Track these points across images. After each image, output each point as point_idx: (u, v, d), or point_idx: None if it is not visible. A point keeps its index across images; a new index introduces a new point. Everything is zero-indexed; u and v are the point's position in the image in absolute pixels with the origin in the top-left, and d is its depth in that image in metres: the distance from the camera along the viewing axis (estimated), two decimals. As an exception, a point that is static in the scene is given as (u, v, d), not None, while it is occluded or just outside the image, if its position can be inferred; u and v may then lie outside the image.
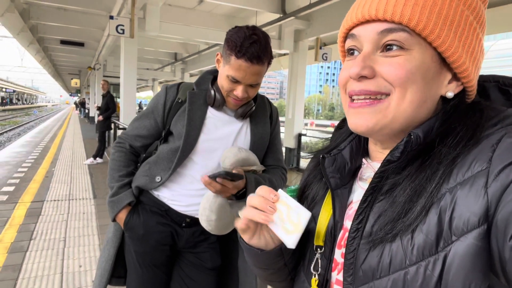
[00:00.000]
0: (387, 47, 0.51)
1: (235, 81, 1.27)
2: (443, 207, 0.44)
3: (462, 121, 0.50)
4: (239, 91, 1.28)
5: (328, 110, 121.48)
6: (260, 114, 1.45)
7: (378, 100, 0.52)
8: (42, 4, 8.20)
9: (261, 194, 0.58)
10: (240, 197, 1.31)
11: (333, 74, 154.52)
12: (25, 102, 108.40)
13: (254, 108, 1.41)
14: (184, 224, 1.42)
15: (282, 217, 0.56)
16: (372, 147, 0.61)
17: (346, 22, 0.56)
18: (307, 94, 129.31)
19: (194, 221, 1.38)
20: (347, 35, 0.57)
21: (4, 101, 67.88)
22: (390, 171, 0.51)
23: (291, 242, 0.55)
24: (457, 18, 0.50)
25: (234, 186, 1.24)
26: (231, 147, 1.33)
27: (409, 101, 0.51)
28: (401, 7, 0.49)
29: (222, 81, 1.30)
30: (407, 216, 0.47)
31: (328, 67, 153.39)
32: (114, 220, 1.44)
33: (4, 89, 70.51)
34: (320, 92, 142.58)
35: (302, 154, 8.88)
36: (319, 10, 6.78)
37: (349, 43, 0.56)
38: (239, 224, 0.59)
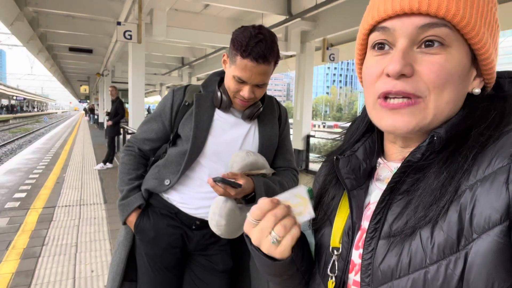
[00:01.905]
0: (426, 43, 0.48)
1: (241, 82, 1.25)
2: (463, 205, 0.43)
3: (489, 108, 0.49)
4: (245, 91, 1.26)
5: (336, 111, 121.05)
6: (268, 115, 1.43)
7: (415, 100, 0.49)
8: (50, 12, 8.31)
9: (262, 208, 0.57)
10: (250, 201, 1.30)
11: (340, 75, 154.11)
12: (35, 110, 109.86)
13: (261, 109, 1.39)
14: (194, 227, 1.41)
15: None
16: (389, 145, 0.59)
17: (376, 13, 0.51)
18: (315, 95, 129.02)
19: (204, 223, 1.37)
20: (374, 27, 0.53)
21: (15, 109, 68.84)
22: (409, 171, 0.50)
23: (309, 215, 0.58)
24: (489, 14, 0.49)
25: (237, 192, 1.23)
26: (238, 151, 1.32)
27: (446, 102, 0.49)
28: (445, 1, 0.46)
29: (229, 82, 1.29)
30: (427, 214, 0.46)
31: (335, 68, 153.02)
32: (124, 223, 1.44)
33: (14, 97, 71.56)
34: (327, 93, 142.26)
35: (312, 156, 8.85)
36: (325, 11, 6.76)
37: (377, 36, 0.52)
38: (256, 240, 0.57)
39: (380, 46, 0.52)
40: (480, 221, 0.41)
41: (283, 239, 0.55)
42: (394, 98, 0.50)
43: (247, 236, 0.60)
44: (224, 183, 1.18)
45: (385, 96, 0.51)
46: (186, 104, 1.39)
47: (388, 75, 0.49)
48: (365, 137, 0.62)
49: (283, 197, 0.59)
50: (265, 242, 0.55)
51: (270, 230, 0.55)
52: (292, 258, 0.57)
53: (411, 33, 0.48)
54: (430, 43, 0.48)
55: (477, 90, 0.52)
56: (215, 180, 1.19)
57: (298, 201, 0.58)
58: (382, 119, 0.52)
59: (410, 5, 0.47)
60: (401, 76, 0.48)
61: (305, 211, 0.58)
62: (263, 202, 0.56)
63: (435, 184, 0.47)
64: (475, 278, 0.41)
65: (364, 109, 0.63)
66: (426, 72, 0.48)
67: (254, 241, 0.57)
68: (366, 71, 0.55)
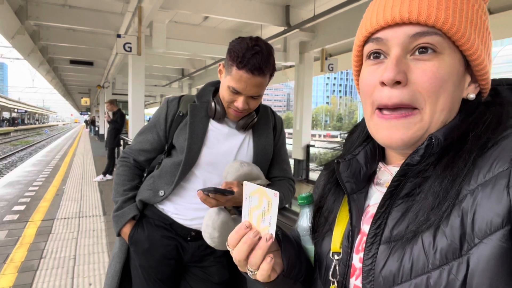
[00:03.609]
0: (419, 50, 0.49)
1: (236, 92, 1.25)
2: (464, 209, 0.43)
3: (486, 113, 0.50)
4: (239, 102, 1.26)
5: (336, 120, 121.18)
6: (262, 125, 1.43)
7: (411, 111, 0.50)
8: (51, 26, 8.38)
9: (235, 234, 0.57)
10: None
11: (340, 85, 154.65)
12: (36, 122, 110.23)
13: (256, 119, 1.39)
14: (189, 238, 1.40)
15: (260, 215, 0.57)
16: (390, 150, 0.60)
17: (369, 25, 0.53)
18: (314, 105, 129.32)
19: (200, 234, 1.35)
20: (368, 39, 0.54)
21: (16, 121, 69.08)
22: (409, 174, 0.50)
23: (274, 196, 0.56)
24: (478, 21, 0.50)
25: (228, 200, 1.21)
26: (232, 162, 1.31)
27: (441, 109, 0.50)
28: (434, 10, 0.48)
29: (223, 92, 1.29)
30: (429, 218, 0.46)
31: (335, 78, 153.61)
32: (119, 234, 1.43)
33: (16, 110, 71.85)
34: (327, 103, 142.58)
35: (313, 166, 8.84)
36: (323, 22, 6.81)
37: (372, 46, 0.54)
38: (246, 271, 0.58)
39: (375, 55, 0.53)
40: (481, 225, 0.41)
41: (258, 270, 0.55)
42: (390, 109, 0.51)
43: None
44: (216, 192, 1.17)
45: (381, 109, 0.52)
46: (181, 114, 1.39)
47: (383, 83, 0.50)
48: (366, 141, 0.63)
49: (246, 209, 0.58)
50: (245, 269, 0.58)
51: (245, 264, 0.56)
52: (283, 275, 0.58)
53: (403, 42, 0.50)
54: (423, 50, 0.49)
55: (472, 96, 0.53)
56: (206, 190, 1.18)
57: (257, 196, 0.57)
58: (378, 131, 0.53)
59: (401, 15, 0.49)
60: (395, 84, 0.49)
61: (269, 197, 0.56)
62: (235, 229, 0.57)
63: (436, 188, 0.47)
64: (478, 283, 0.40)
65: (363, 119, 0.63)
66: (420, 80, 0.49)
67: (240, 268, 0.59)
68: (362, 81, 0.56)
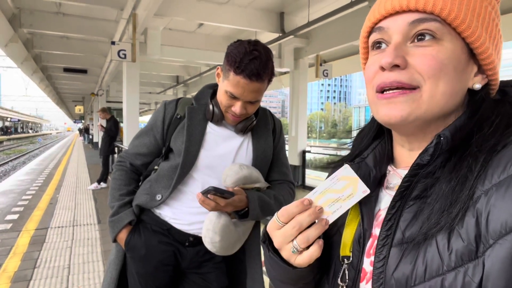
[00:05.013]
0: (418, 37, 0.50)
1: (233, 97, 1.23)
2: (479, 210, 0.42)
3: (494, 110, 0.50)
4: (237, 107, 1.24)
5: (331, 127, 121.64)
6: (262, 127, 1.41)
7: (410, 90, 0.50)
8: (45, 34, 8.36)
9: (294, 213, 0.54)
10: (243, 216, 1.27)
11: (334, 91, 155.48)
12: (30, 131, 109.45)
13: (254, 122, 1.37)
14: (187, 243, 1.37)
15: (333, 200, 0.54)
16: (399, 150, 0.59)
17: (372, 16, 0.55)
18: (309, 111, 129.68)
19: (198, 240, 1.33)
20: (372, 30, 0.56)
21: (9, 130, 68.55)
22: (419, 175, 0.50)
23: (363, 193, 0.54)
24: (482, 11, 0.51)
25: (228, 203, 1.19)
26: (232, 165, 1.29)
27: (442, 93, 0.50)
28: None
29: (221, 96, 1.28)
30: (440, 220, 0.45)
31: (329, 84, 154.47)
32: (115, 240, 1.40)
33: (9, 119, 71.35)
34: (322, 109, 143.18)
35: (309, 172, 8.85)
36: (318, 28, 6.86)
37: (375, 36, 0.55)
38: (307, 260, 0.54)
39: (378, 45, 0.55)
40: (496, 226, 0.40)
41: (305, 250, 0.53)
42: (389, 88, 0.52)
43: (263, 239, 0.58)
44: (216, 191, 1.14)
45: (382, 90, 0.52)
46: (178, 117, 1.37)
47: (382, 69, 0.52)
48: (374, 144, 0.63)
49: (323, 187, 0.55)
50: (286, 248, 0.54)
51: (293, 238, 0.53)
52: (312, 265, 0.56)
53: (403, 29, 0.51)
54: (421, 36, 0.50)
55: (478, 86, 0.52)
56: (206, 191, 1.15)
57: (344, 183, 0.55)
58: (379, 110, 0.53)
59: (400, 3, 0.51)
60: (394, 67, 0.50)
61: (356, 191, 0.54)
62: (293, 203, 0.55)
63: (448, 189, 0.46)
64: (493, 285, 0.39)
65: (373, 117, 0.63)
66: (419, 62, 0.50)
67: (276, 244, 0.55)
68: (366, 70, 0.57)
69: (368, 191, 0.54)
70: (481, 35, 0.50)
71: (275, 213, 0.55)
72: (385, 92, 0.52)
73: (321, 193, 0.55)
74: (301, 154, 8.64)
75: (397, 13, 0.52)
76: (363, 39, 0.59)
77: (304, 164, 8.67)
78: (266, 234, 0.58)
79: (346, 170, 0.55)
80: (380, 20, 0.54)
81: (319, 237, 0.54)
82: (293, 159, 8.56)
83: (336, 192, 0.54)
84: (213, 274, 1.39)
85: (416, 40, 0.51)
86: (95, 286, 3.06)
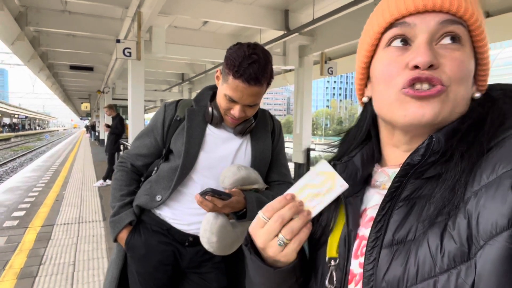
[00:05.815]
0: (446, 38, 0.50)
1: (232, 101, 1.24)
2: (469, 211, 0.43)
3: (486, 114, 0.50)
4: (236, 110, 1.25)
5: (337, 124, 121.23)
6: (261, 129, 1.42)
7: (442, 88, 0.49)
8: (51, 32, 8.41)
9: (278, 209, 0.55)
10: (241, 217, 1.27)
11: (340, 88, 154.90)
12: (38, 127, 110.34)
13: (253, 124, 1.38)
14: (187, 243, 1.39)
15: (313, 194, 0.55)
16: (389, 150, 0.59)
17: (395, 10, 0.52)
18: (315, 109, 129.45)
19: (198, 240, 1.33)
20: (391, 24, 0.53)
21: (16, 127, 69.14)
22: (409, 175, 0.50)
23: (341, 187, 0.55)
24: (483, 18, 0.52)
25: (225, 204, 1.19)
26: (230, 166, 1.30)
27: (462, 97, 0.50)
28: (463, 2, 0.49)
29: (220, 99, 1.29)
30: (431, 222, 0.45)
31: (335, 82, 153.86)
32: (115, 240, 1.42)
33: (16, 116, 71.98)
34: (327, 106, 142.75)
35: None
36: (322, 26, 6.82)
37: (396, 31, 0.52)
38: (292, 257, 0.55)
39: (403, 42, 0.52)
40: (486, 227, 0.40)
41: (290, 241, 0.54)
42: (422, 85, 0.49)
43: (246, 243, 0.58)
44: (214, 193, 1.15)
45: (412, 84, 0.50)
46: (178, 119, 1.38)
47: (415, 67, 0.49)
48: (363, 143, 0.62)
49: (302, 183, 0.56)
50: (271, 244, 0.55)
51: (277, 232, 0.54)
52: (294, 265, 0.56)
53: (432, 29, 0.50)
54: (451, 39, 0.50)
55: (478, 94, 0.53)
56: (204, 192, 1.16)
57: (323, 178, 0.55)
58: (408, 108, 0.50)
59: (434, 2, 0.49)
60: (429, 67, 0.49)
61: (335, 185, 0.55)
62: (276, 199, 0.56)
63: (437, 192, 0.46)
64: (485, 286, 0.39)
65: (359, 120, 0.63)
66: (449, 65, 0.49)
67: (260, 243, 0.56)
68: (382, 68, 0.54)
69: (346, 185, 0.54)
70: (488, 43, 0.51)
71: (259, 212, 0.56)
72: (417, 86, 0.50)
73: (301, 188, 0.56)
74: (305, 152, 8.62)
75: (425, 11, 0.50)
76: (376, 34, 0.55)
77: (308, 162, 8.65)
78: (248, 237, 0.58)
79: (324, 165, 0.56)
80: (404, 16, 0.51)
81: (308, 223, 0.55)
82: (297, 157, 8.55)
83: (315, 187, 0.55)
84: (213, 274, 1.40)
85: (444, 42, 0.50)
86: (99, 283, 3.10)
